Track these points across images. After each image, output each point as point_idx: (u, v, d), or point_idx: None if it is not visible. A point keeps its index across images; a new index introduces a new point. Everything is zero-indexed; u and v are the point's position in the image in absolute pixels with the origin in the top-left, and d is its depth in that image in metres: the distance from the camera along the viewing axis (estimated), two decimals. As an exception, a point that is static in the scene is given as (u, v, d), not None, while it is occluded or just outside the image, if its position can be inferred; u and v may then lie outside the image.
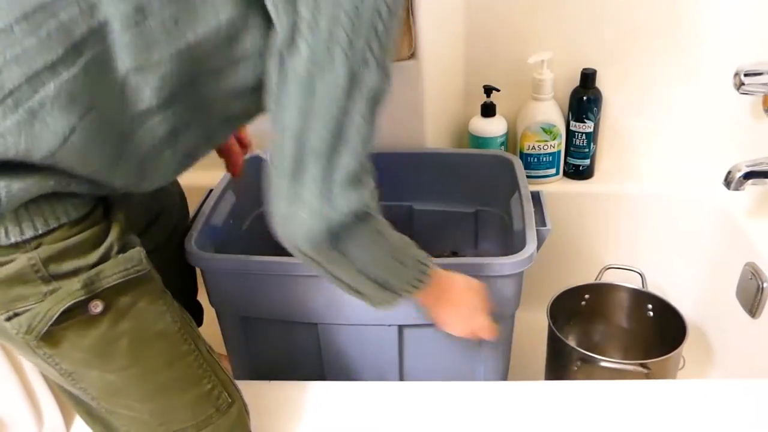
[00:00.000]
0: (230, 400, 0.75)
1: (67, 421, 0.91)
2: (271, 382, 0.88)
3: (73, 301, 0.61)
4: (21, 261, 0.59)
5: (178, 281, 1.01)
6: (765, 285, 1.01)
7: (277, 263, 0.88)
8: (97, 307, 0.63)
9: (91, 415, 0.76)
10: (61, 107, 0.55)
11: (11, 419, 0.92)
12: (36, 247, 0.60)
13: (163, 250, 0.94)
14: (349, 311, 0.90)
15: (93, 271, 0.62)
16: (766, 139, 1.14)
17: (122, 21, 0.56)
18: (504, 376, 0.98)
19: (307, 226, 0.62)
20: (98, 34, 0.56)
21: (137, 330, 0.67)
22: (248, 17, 0.59)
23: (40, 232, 0.59)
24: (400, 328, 0.91)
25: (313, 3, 0.56)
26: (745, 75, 1.04)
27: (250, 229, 1.09)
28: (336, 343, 0.93)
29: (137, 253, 0.66)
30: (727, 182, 1.04)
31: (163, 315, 0.69)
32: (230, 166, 0.96)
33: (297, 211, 0.61)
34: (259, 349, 0.97)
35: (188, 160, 0.70)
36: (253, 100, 0.64)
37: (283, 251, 0.96)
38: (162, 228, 0.92)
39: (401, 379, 0.97)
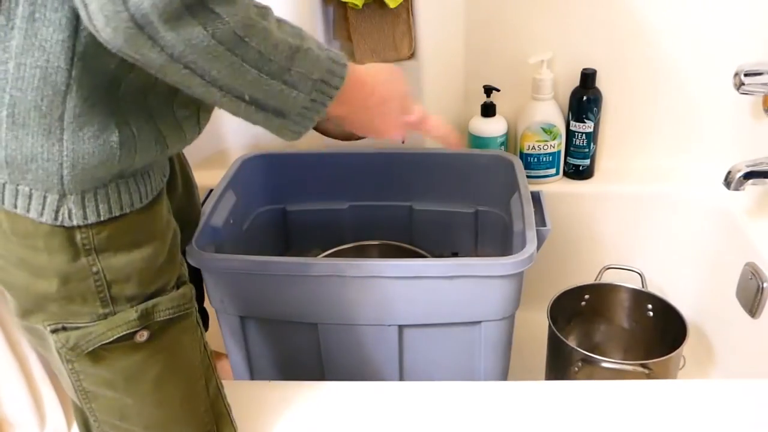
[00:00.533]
0: None
1: (69, 422, 0.91)
2: (271, 382, 0.88)
3: (127, 331, 0.62)
4: (86, 279, 0.59)
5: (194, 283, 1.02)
6: (765, 285, 1.01)
7: (277, 263, 0.88)
8: (143, 336, 0.63)
9: (86, 427, 0.76)
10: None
11: (16, 419, 0.92)
12: (99, 252, 0.59)
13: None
14: (349, 311, 0.90)
15: (150, 303, 0.63)
16: (766, 139, 1.14)
17: None
18: (504, 376, 0.98)
19: (105, 6, 0.46)
20: None
21: (170, 361, 0.67)
22: None
23: (102, 218, 0.58)
24: (400, 328, 0.91)
25: None
26: (745, 75, 1.04)
27: (250, 229, 1.10)
28: (336, 343, 0.93)
29: (189, 290, 0.67)
30: (727, 182, 1.04)
31: (195, 350, 0.69)
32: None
33: None
34: (259, 349, 0.97)
35: None
36: None
37: (283, 251, 0.96)
38: (185, 239, 0.92)
39: (401, 379, 0.97)
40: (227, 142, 1.30)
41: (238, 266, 0.89)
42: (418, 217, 1.17)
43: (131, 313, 0.61)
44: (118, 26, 0.47)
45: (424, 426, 0.80)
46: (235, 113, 0.56)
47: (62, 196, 0.56)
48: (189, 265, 0.91)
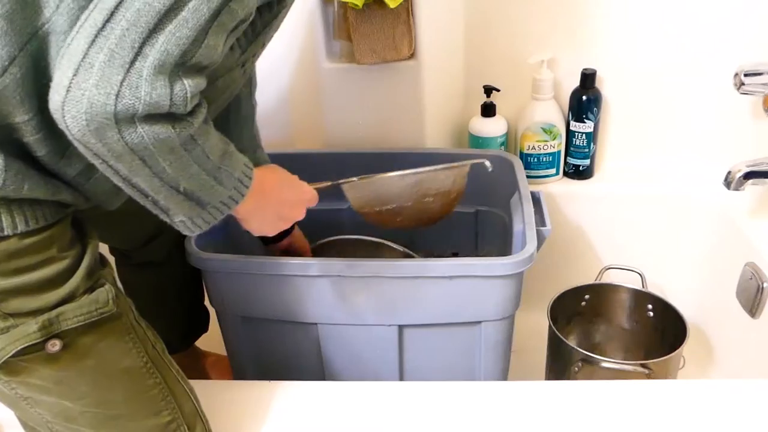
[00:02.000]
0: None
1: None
2: (271, 382, 0.88)
3: (28, 344, 0.60)
4: None
5: (185, 290, 1.02)
6: (765, 285, 1.01)
7: (277, 263, 0.88)
8: (54, 346, 0.61)
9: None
10: (1, 33, 0.53)
11: (9, 423, 0.92)
12: None
13: (170, 261, 0.94)
14: (349, 311, 0.90)
15: (53, 313, 0.60)
16: (766, 139, 1.14)
17: None
18: (504, 376, 0.98)
19: (89, 100, 0.50)
20: None
21: (99, 367, 0.65)
22: None
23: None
24: (400, 328, 0.91)
25: None
26: (745, 75, 1.04)
27: (250, 229, 1.09)
28: (336, 343, 0.93)
29: (104, 293, 0.64)
30: (727, 182, 1.04)
31: (129, 352, 0.67)
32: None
33: (84, 77, 0.50)
34: (259, 349, 0.97)
35: None
36: None
37: (283, 251, 0.96)
38: (166, 240, 0.92)
39: (401, 379, 0.97)
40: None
41: (238, 266, 0.89)
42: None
43: (31, 326, 0.59)
44: (95, 118, 0.51)
45: (424, 426, 0.80)
46: (162, 204, 0.61)
47: None
48: (189, 266, 0.91)
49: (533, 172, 1.24)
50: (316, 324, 0.92)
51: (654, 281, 1.18)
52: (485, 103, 1.21)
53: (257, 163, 0.71)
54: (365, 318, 0.90)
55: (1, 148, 0.57)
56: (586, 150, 1.24)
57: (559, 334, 1.06)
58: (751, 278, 1.04)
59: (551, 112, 1.21)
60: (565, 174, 1.28)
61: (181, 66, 0.53)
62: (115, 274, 0.70)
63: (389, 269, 0.86)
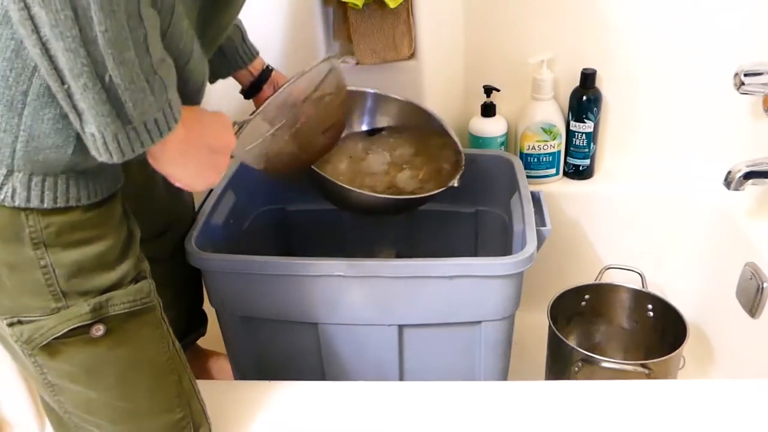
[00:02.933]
0: (193, 430, 0.75)
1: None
2: (271, 382, 0.88)
3: (79, 323, 0.62)
4: (35, 269, 0.59)
5: (186, 290, 1.02)
6: (765, 285, 1.01)
7: (277, 263, 0.88)
8: (99, 330, 0.63)
9: (60, 424, 0.76)
10: None
11: (15, 419, 0.92)
12: (48, 246, 0.59)
13: (173, 259, 0.94)
14: (349, 311, 0.90)
15: (104, 297, 0.63)
16: (766, 139, 1.14)
17: None
18: (504, 376, 0.98)
19: None
20: None
21: (132, 356, 0.67)
22: None
23: (46, 206, 0.58)
24: (400, 328, 0.91)
25: None
26: (745, 75, 1.04)
27: (250, 229, 1.10)
28: (336, 343, 0.93)
29: (147, 285, 0.67)
30: (727, 182, 1.04)
31: (158, 344, 0.69)
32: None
33: None
34: (259, 349, 0.97)
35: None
36: None
37: (283, 251, 0.96)
38: (174, 237, 0.92)
39: (401, 379, 0.97)
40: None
41: (238, 266, 0.89)
42: (418, 216, 1.17)
43: (83, 307, 0.61)
44: None
45: (424, 426, 0.80)
46: (77, 96, 0.50)
47: (10, 172, 0.56)
48: (189, 266, 0.91)
49: (533, 172, 1.24)
50: (316, 324, 0.92)
51: (654, 281, 1.18)
52: (485, 103, 1.22)
53: None
54: (365, 318, 0.90)
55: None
56: (586, 150, 1.24)
57: (559, 334, 1.06)
58: (751, 278, 1.04)
59: (551, 112, 1.21)
60: (565, 174, 1.28)
61: None
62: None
63: (389, 269, 0.86)
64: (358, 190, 0.89)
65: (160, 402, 0.71)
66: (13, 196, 0.57)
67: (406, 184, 0.98)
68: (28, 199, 0.57)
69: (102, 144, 0.52)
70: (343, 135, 0.95)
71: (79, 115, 0.51)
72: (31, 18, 0.46)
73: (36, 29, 0.46)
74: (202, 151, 0.63)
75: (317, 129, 0.86)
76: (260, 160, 0.82)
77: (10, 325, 0.61)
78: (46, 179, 0.57)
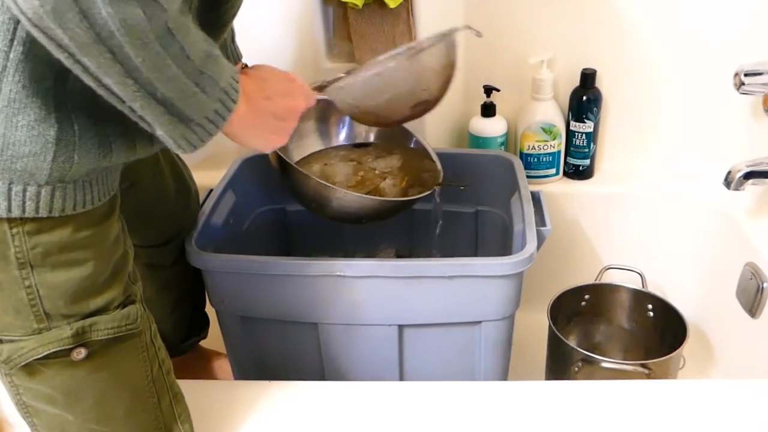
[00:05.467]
0: None
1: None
2: (271, 382, 0.88)
3: (59, 348, 0.60)
4: (18, 290, 0.58)
5: (187, 295, 1.02)
6: (765, 285, 1.01)
7: (277, 263, 0.88)
8: (80, 354, 0.62)
9: None
10: None
11: (16, 419, 0.92)
12: (33, 248, 0.57)
13: (176, 266, 0.94)
14: (349, 311, 0.90)
15: (87, 321, 0.61)
16: (766, 139, 1.14)
17: None
18: (504, 376, 0.98)
19: None
20: None
21: (111, 380, 0.66)
22: None
23: (27, 214, 0.56)
24: (400, 328, 0.91)
25: None
26: (745, 75, 1.04)
27: (250, 229, 1.10)
28: (336, 343, 0.93)
29: (135, 310, 0.65)
30: (727, 182, 1.04)
31: (140, 369, 0.68)
32: None
33: None
34: (259, 349, 0.97)
35: None
36: None
37: (283, 251, 0.97)
38: (178, 246, 0.92)
39: (401, 379, 0.97)
40: (227, 142, 1.30)
41: (238, 266, 0.89)
42: (418, 217, 1.17)
43: (65, 330, 0.60)
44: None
45: (424, 426, 0.80)
46: (139, 113, 0.53)
47: None
48: (191, 271, 0.91)
49: (533, 172, 1.24)
50: (316, 324, 0.92)
51: (654, 281, 1.18)
52: (485, 103, 1.21)
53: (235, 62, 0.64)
54: (365, 318, 0.90)
55: (54, 111, 0.55)
56: (586, 150, 1.24)
57: (559, 334, 1.06)
58: (751, 278, 1.04)
59: (551, 112, 1.21)
60: (565, 174, 1.28)
61: None
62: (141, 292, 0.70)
63: (389, 269, 0.86)
64: (342, 190, 0.88)
65: (137, 425, 0.69)
66: None
67: (389, 191, 0.98)
68: (9, 209, 0.55)
69: (173, 143, 0.56)
70: (330, 146, 1.02)
71: (147, 123, 0.54)
72: (79, 62, 0.48)
73: (86, 69, 0.49)
74: (266, 120, 0.66)
75: (409, 98, 0.85)
76: (350, 108, 0.85)
77: None
78: (27, 189, 0.55)
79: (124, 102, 0.52)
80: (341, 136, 1.07)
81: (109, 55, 0.48)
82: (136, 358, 0.67)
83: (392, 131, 1.06)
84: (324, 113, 1.04)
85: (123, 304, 0.64)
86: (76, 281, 0.60)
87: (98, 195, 0.61)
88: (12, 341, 0.60)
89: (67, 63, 0.49)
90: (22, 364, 0.60)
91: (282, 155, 0.88)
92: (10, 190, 0.55)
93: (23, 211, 0.56)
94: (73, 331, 0.60)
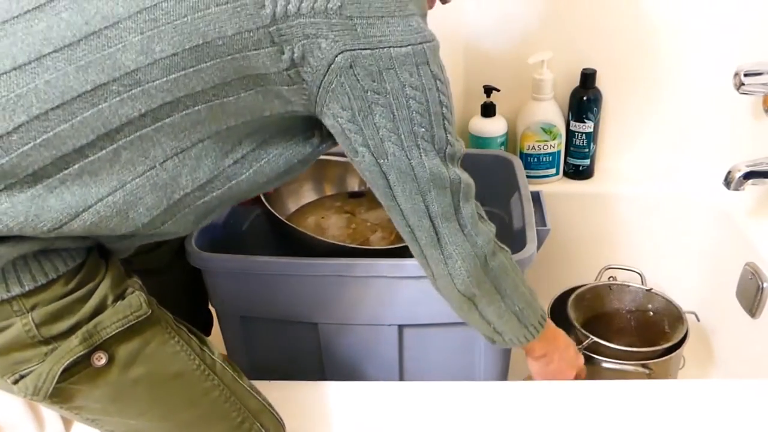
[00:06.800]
0: (264, 430, 0.72)
1: (67, 427, 0.91)
2: (271, 382, 0.87)
3: (72, 358, 0.60)
4: (17, 327, 0.58)
5: (183, 299, 1.01)
6: (765, 285, 1.01)
7: (277, 263, 0.88)
8: (100, 359, 0.61)
9: None
10: (81, 184, 0.56)
11: (12, 424, 0.92)
12: (32, 308, 0.58)
13: (170, 270, 0.94)
14: (349, 311, 0.89)
15: (91, 324, 0.61)
16: (766, 139, 1.14)
17: (169, 109, 0.56)
18: (504, 376, 0.98)
19: (464, 269, 0.70)
20: (138, 123, 0.56)
21: (151, 375, 0.65)
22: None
23: (27, 289, 0.57)
24: (400, 328, 0.91)
25: (389, 119, 0.62)
26: (745, 75, 1.04)
27: (250, 229, 1.09)
28: (336, 343, 0.93)
29: (136, 298, 0.64)
30: (727, 182, 1.04)
31: (177, 355, 0.66)
32: None
33: (453, 264, 0.70)
34: (259, 349, 0.97)
35: (204, 220, 0.69)
36: (280, 179, 0.69)
37: (283, 251, 0.97)
38: (170, 249, 0.91)
39: (401, 379, 0.97)
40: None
41: (238, 266, 0.89)
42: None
43: (72, 341, 0.60)
44: (474, 278, 0.71)
45: (424, 426, 0.80)
46: (500, 329, 0.78)
47: None
48: (189, 273, 0.91)
49: (533, 172, 1.24)
50: (316, 324, 0.92)
51: (654, 281, 1.18)
52: (485, 103, 1.21)
53: None
54: (365, 318, 0.90)
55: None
56: (586, 150, 1.24)
57: (559, 334, 1.06)
58: (751, 278, 1.04)
59: (551, 112, 1.21)
60: (565, 174, 1.28)
61: (478, 209, 0.72)
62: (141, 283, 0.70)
63: (389, 269, 0.86)
64: (330, 240, 0.96)
65: (207, 412, 0.69)
66: None
67: (377, 245, 1.00)
68: (7, 289, 0.57)
69: (513, 341, 0.80)
70: (327, 194, 1.10)
71: (501, 334, 0.79)
72: (476, 306, 0.76)
73: (479, 311, 0.76)
74: (559, 358, 0.88)
75: None
76: None
77: (15, 382, 0.60)
78: (16, 264, 0.57)
79: (491, 324, 0.77)
80: (335, 186, 1.12)
81: (494, 291, 0.74)
82: (166, 344, 0.66)
83: None
84: (319, 165, 1.05)
85: (121, 296, 0.64)
86: (69, 305, 0.60)
87: (83, 247, 0.62)
88: (31, 371, 0.60)
89: (468, 311, 0.75)
90: (51, 390, 0.60)
91: (273, 211, 0.92)
92: (2, 271, 0.57)
93: (22, 285, 0.58)
94: (80, 338, 0.60)
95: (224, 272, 0.90)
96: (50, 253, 0.59)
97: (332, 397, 0.84)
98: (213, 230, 0.95)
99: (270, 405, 0.74)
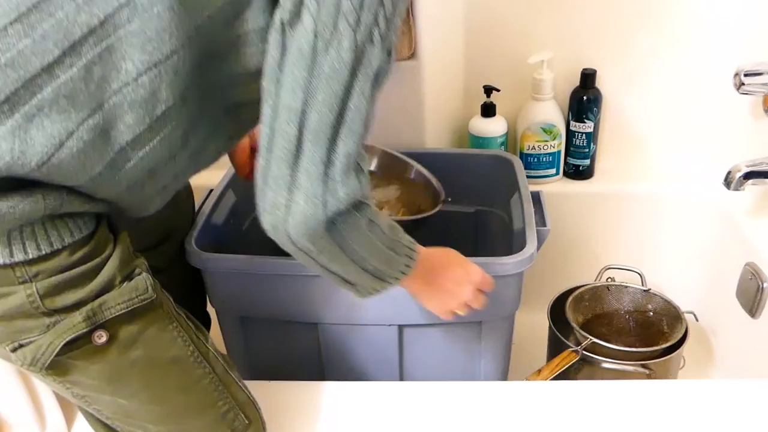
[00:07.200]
0: (247, 422, 0.73)
1: (69, 422, 0.91)
2: (271, 382, 0.88)
3: (75, 334, 0.60)
4: (21, 296, 0.58)
5: (183, 299, 1.01)
6: (765, 285, 1.01)
7: (277, 263, 0.88)
8: (101, 337, 0.62)
9: (106, 428, 0.75)
10: (59, 110, 0.54)
11: (14, 420, 0.92)
12: (35, 276, 0.58)
13: (170, 269, 0.94)
14: (349, 311, 0.90)
15: (96, 303, 0.61)
16: (766, 139, 1.14)
17: (128, 13, 0.54)
18: (504, 376, 0.98)
19: (303, 214, 0.58)
20: (100, 31, 0.54)
21: (148, 357, 0.65)
22: None
23: (31, 257, 0.57)
24: (400, 328, 0.91)
25: None
26: (745, 75, 1.04)
27: (250, 229, 1.09)
28: (336, 343, 0.93)
29: (143, 281, 0.64)
30: (727, 182, 1.04)
31: (175, 341, 0.67)
32: (238, 167, 0.94)
33: (293, 198, 0.58)
34: (259, 349, 0.97)
35: (197, 165, 0.68)
36: (255, 88, 0.60)
37: (283, 251, 0.96)
38: (171, 248, 0.91)
39: (401, 379, 0.97)
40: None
41: (238, 266, 0.89)
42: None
43: (76, 317, 0.60)
44: (309, 228, 0.59)
45: (424, 426, 0.80)
46: (348, 279, 0.69)
47: None
48: (187, 274, 0.91)
49: (533, 172, 1.24)
50: (316, 324, 0.92)
51: (654, 281, 1.18)
52: (485, 103, 1.21)
53: None
54: (365, 318, 0.90)
55: (41, 186, 0.57)
56: (586, 150, 1.24)
57: (559, 334, 1.06)
58: (751, 278, 1.04)
59: (551, 112, 1.21)
60: (565, 174, 1.28)
61: (358, 156, 0.60)
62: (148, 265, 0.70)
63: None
64: None
65: (197, 398, 0.70)
66: None
67: None
68: (11, 254, 0.57)
69: (362, 292, 0.72)
70: None
71: (354, 285, 0.70)
72: (314, 259, 0.65)
73: (317, 263, 0.66)
74: (442, 282, 0.79)
75: None
76: None
77: (13, 350, 0.61)
78: (23, 230, 0.57)
79: (342, 277, 0.68)
80: None
81: (338, 250, 0.63)
82: (166, 330, 0.67)
83: (392, 162, 1.09)
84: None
85: (129, 277, 0.64)
86: (75, 278, 0.60)
87: (91, 216, 0.62)
88: (30, 342, 0.60)
89: (302, 259, 0.65)
90: (48, 362, 0.61)
91: None
92: (9, 236, 0.57)
93: (26, 253, 0.57)
94: (83, 315, 0.60)
95: (224, 272, 0.90)
96: (58, 221, 0.59)
97: (332, 397, 0.84)
98: (213, 230, 0.96)
99: (255, 400, 0.76)
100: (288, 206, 0.58)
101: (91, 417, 0.75)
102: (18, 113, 0.53)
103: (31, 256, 0.57)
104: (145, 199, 0.66)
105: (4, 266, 0.57)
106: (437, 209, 1.00)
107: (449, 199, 1.03)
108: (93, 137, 0.56)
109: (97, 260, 0.62)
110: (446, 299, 0.80)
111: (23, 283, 0.58)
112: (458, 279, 0.80)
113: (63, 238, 0.59)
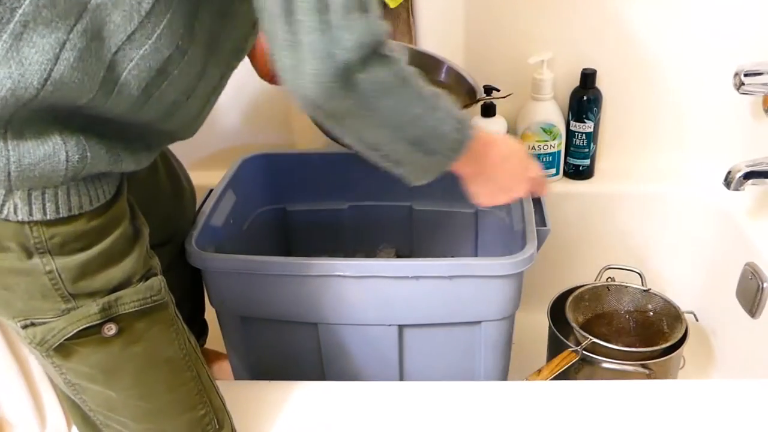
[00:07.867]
0: (218, 427, 0.75)
1: (69, 422, 0.91)
2: (271, 382, 0.88)
3: (88, 324, 0.62)
4: (39, 272, 0.59)
5: (183, 301, 1.01)
6: (765, 285, 1.01)
7: (277, 263, 0.88)
8: (110, 329, 0.63)
9: (85, 421, 0.77)
10: (45, 22, 0.52)
11: (16, 419, 0.92)
12: (50, 238, 0.59)
13: (171, 271, 0.94)
14: (349, 311, 0.90)
15: (113, 296, 0.63)
16: (766, 139, 1.14)
17: None
18: (504, 376, 0.98)
19: (314, 73, 0.52)
20: None
21: (146, 354, 0.67)
22: None
23: (49, 218, 0.58)
24: (400, 328, 0.91)
25: None
26: (745, 75, 1.04)
27: (250, 229, 1.10)
28: (336, 343, 0.93)
29: (158, 282, 0.67)
30: (727, 182, 1.04)
31: (172, 342, 0.69)
32: (259, 70, 0.92)
33: (299, 57, 0.52)
34: (259, 349, 0.97)
35: (219, 60, 0.64)
36: None
37: (283, 251, 0.97)
38: (173, 249, 0.92)
39: (401, 379, 0.97)
40: (227, 142, 1.30)
41: (238, 266, 0.89)
42: (418, 217, 1.17)
43: (92, 307, 0.62)
44: (323, 85, 0.53)
45: (424, 426, 0.80)
46: (394, 158, 0.63)
47: (9, 191, 0.57)
48: (187, 276, 0.92)
49: (533, 172, 1.24)
50: (316, 324, 0.92)
51: (654, 281, 1.18)
52: (485, 103, 1.21)
53: None
54: (365, 318, 0.90)
55: (60, 125, 0.57)
56: (586, 150, 1.24)
57: (559, 334, 1.06)
58: (751, 278, 1.04)
59: (551, 112, 1.21)
60: (565, 174, 1.28)
61: None
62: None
63: (389, 269, 0.86)
64: None
65: (180, 398, 0.71)
66: (15, 212, 0.57)
67: None
68: (30, 213, 0.58)
69: (421, 174, 0.67)
70: None
71: (397, 163, 0.65)
72: (344, 125, 0.59)
73: (349, 129, 0.60)
74: (498, 174, 0.74)
75: None
76: None
77: (24, 327, 0.62)
78: (45, 192, 0.58)
79: (378, 149, 0.62)
80: None
81: (366, 113, 0.57)
82: (167, 331, 0.69)
83: (422, 61, 1.03)
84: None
85: (145, 277, 0.66)
86: (94, 257, 0.62)
87: (109, 188, 0.63)
88: (44, 323, 0.62)
89: (333, 127, 0.59)
90: (56, 344, 0.62)
91: None
92: (29, 195, 0.57)
93: (44, 213, 0.58)
94: (99, 307, 0.62)
95: (224, 272, 0.90)
96: (81, 185, 0.59)
97: (332, 397, 0.84)
98: (213, 230, 0.96)
99: (227, 407, 0.77)
100: (296, 67, 0.53)
101: (73, 406, 0.76)
102: (5, 34, 0.51)
103: (49, 217, 0.58)
104: (178, 113, 0.63)
105: (22, 222, 0.58)
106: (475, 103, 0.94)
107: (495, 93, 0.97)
108: (86, 43, 0.54)
109: (120, 236, 0.63)
110: (497, 193, 0.76)
111: (40, 252, 0.59)
112: (516, 174, 0.76)
113: (82, 205, 0.60)
